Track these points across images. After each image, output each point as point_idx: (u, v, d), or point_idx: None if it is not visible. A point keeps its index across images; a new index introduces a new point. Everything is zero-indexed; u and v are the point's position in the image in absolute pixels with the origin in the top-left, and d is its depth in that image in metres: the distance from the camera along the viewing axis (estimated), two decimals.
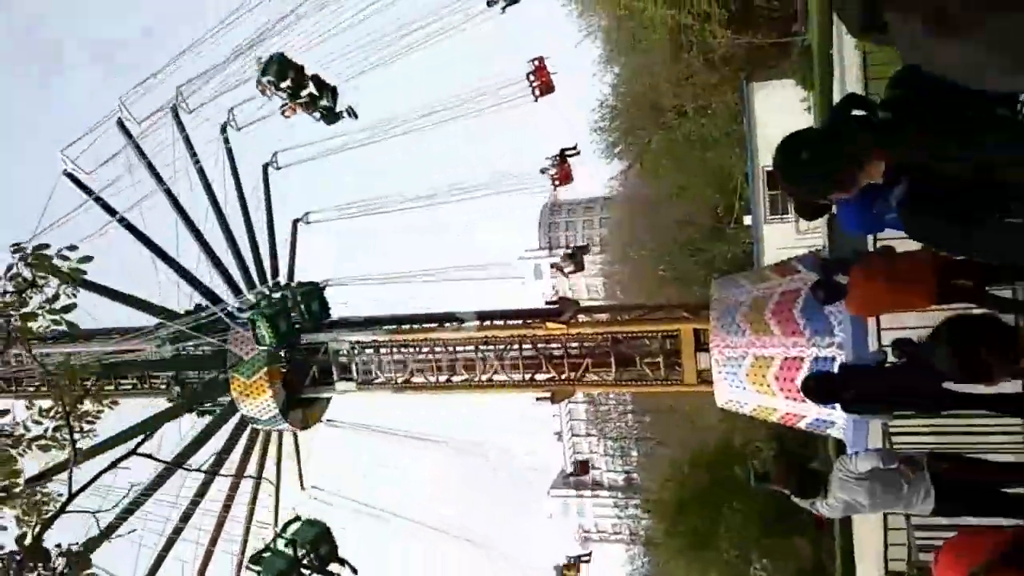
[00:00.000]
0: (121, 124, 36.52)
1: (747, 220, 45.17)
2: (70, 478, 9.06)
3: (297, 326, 32.01)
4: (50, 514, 9.02)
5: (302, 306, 32.08)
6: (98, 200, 35.63)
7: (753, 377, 28.30)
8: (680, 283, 55.78)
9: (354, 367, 33.93)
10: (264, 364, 32.85)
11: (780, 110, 37.67)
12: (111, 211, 35.25)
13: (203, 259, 35.77)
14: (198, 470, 31.27)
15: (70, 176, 36.03)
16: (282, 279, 37.27)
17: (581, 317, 31.81)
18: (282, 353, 33.24)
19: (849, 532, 30.26)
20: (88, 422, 9.43)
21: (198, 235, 36.15)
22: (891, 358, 11.59)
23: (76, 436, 9.13)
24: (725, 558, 46.82)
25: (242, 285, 35.88)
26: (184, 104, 36.53)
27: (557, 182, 37.25)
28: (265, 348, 32.01)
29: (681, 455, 56.07)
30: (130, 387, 35.85)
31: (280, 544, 29.19)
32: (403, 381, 33.73)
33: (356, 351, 33.84)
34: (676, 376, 30.46)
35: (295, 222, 39.53)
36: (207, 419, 34.60)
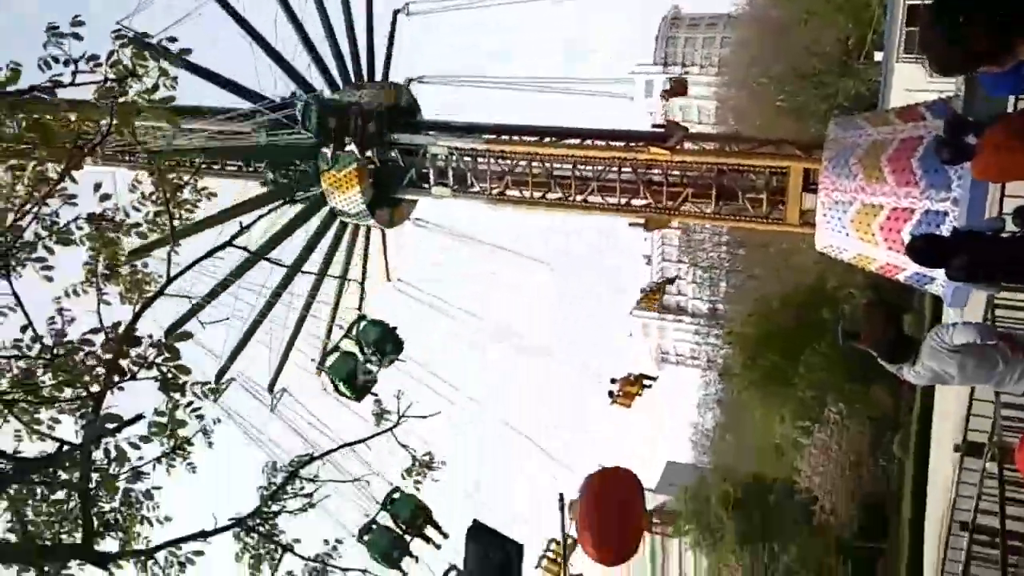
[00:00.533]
0: None
1: (877, 56, 42.07)
2: (169, 261, 9.39)
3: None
4: (150, 294, 9.45)
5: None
6: None
7: (858, 224, 27.25)
8: (797, 115, 53.20)
9: (450, 173, 33.99)
10: (354, 159, 32.90)
11: None
12: None
13: (300, 49, 35.36)
14: (283, 265, 32.22)
15: None
16: (378, 73, 37.02)
17: (687, 144, 30.75)
18: (372, 152, 33.79)
19: (931, 392, 29.94)
20: (187, 210, 9.67)
21: (296, 22, 35.12)
22: (1010, 227, 10.88)
23: (175, 223, 9.41)
24: (800, 396, 47.20)
25: (337, 78, 35.31)
26: None
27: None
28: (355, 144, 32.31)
29: (771, 291, 55.59)
30: (223, 169, 36.39)
31: (346, 345, 29.84)
32: (498, 193, 33.67)
33: (454, 157, 33.76)
34: (778, 215, 29.53)
35: (396, 12, 38.33)
36: (297, 208, 35.35)
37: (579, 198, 32.67)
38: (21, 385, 7.75)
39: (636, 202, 31.81)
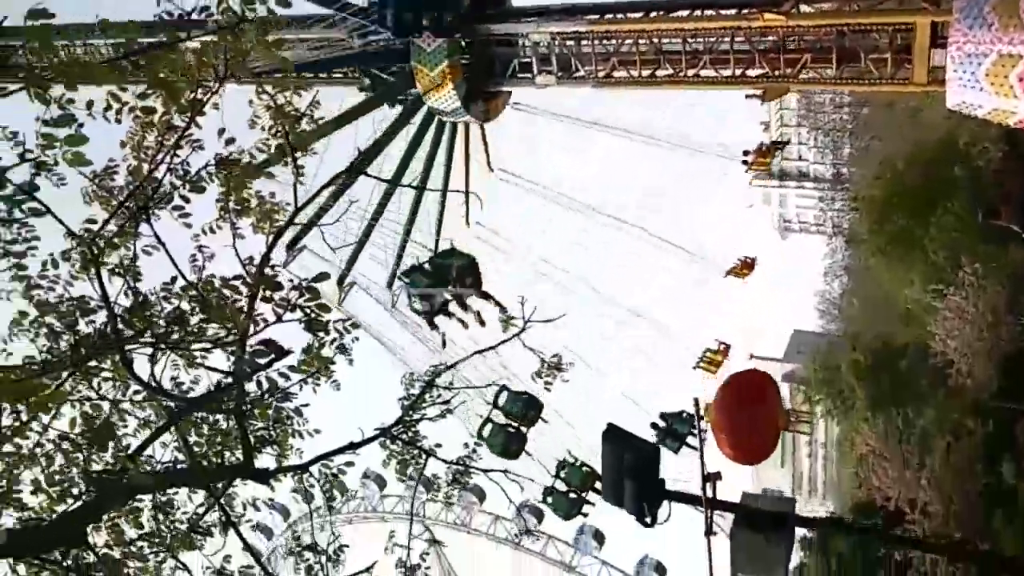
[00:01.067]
0: None
1: None
2: (295, 192, 9.70)
3: None
4: (280, 223, 9.83)
5: None
6: None
7: (993, 77, 25.40)
8: None
9: (553, 59, 33.26)
10: (445, 56, 32.75)
11: None
12: None
13: None
14: (389, 182, 33.00)
15: None
16: None
17: (803, 7, 29.12)
18: (463, 44, 33.24)
19: None
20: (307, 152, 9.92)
21: None
22: None
23: (297, 155, 9.66)
24: (932, 259, 45.29)
25: None
26: None
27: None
28: (445, 41, 32.26)
29: (898, 151, 52.76)
30: (326, 78, 36.52)
31: (497, 417, 30.73)
32: (604, 75, 32.83)
33: (556, 42, 32.96)
34: (904, 74, 27.83)
35: None
36: (399, 110, 35.65)
37: (691, 73, 31.54)
38: (175, 323, 8.29)
39: (752, 72, 30.55)
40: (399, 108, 35.62)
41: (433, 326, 34.20)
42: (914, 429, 42.08)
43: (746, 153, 41.95)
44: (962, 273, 41.53)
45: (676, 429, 30.48)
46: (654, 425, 30.60)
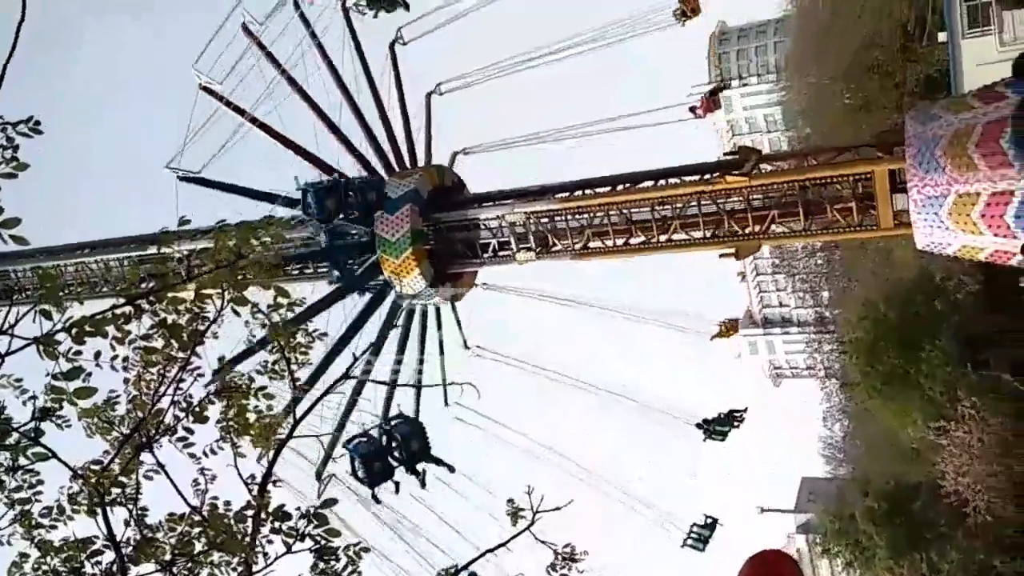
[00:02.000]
0: (246, 29, 37.91)
1: (941, 36, 41.05)
2: (293, 408, 9.78)
3: None
4: (281, 436, 9.85)
5: None
6: (230, 105, 37.37)
7: (956, 216, 26.36)
8: (867, 110, 51.94)
9: (531, 237, 34.37)
10: (409, 244, 34.35)
11: None
12: (242, 112, 37.07)
13: (342, 150, 37.40)
14: (392, 385, 33.68)
15: (206, 89, 37.83)
16: (420, 158, 38.47)
17: (764, 166, 30.44)
18: (426, 229, 34.82)
19: None
20: (302, 353, 10.09)
21: (331, 126, 37.41)
22: None
23: (293, 367, 9.82)
24: (929, 396, 45.24)
25: (380, 169, 37.12)
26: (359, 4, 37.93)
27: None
28: (409, 229, 33.85)
29: (875, 292, 53.78)
30: (298, 273, 37.64)
31: (375, 432, 30.83)
32: (581, 247, 33.88)
33: (532, 221, 34.15)
34: (871, 221, 28.85)
35: (428, 95, 40.18)
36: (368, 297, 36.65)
37: (663, 238, 32.59)
38: (181, 553, 8.17)
39: (722, 232, 31.57)
40: (368, 295, 36.62)
41: (376, 499, 33.73)
42: (940, 574, 40.73)
43: (692, 109, 41.21)
44: (961, 408, 41.38)
45: None
46: None
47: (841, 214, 29.25)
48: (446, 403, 38.30)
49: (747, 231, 30.69)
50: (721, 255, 32.73)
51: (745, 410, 37.80)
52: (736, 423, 37.52)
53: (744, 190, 30.07)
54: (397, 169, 37.74)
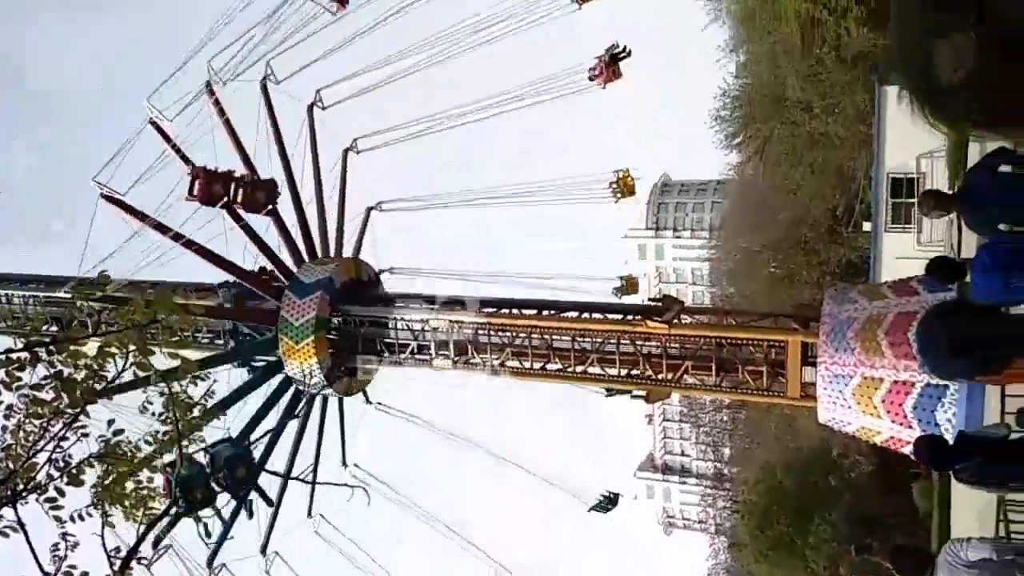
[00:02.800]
0: (209, 87, 37.09)
1: (866, 226, 43.36)
2: (173, 484, 9.38)
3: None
4: (155, 511, 9.40)
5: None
6: (177, 151, 35.66)
7: (859, 397, 27.30)
8: (790, 281, 54.21)
9: (451, 345, 34.34)
10: (312, 332, 33.86)
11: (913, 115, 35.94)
12: (188, 161, 35.30)
13: (272, 228, 36.73)
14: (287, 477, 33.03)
15: (154, 125, 36.37)
16: (347, 252, 38.32)
17: (684, 318, 31.25)
18: (334, 321, 34.55)
19: None
20: (195, 427, 9.77)
21: (236, 217, 35.66)
22: (1015, 428, 10.95)
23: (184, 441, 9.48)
24: (812, 568, 45.75)
25: (305, 255, 36.72)
26: (272, 77, 37.81)
27: (602, 83, 34.78)
28: (315, 316, 33.54)
29: (775, 457, 54.90)
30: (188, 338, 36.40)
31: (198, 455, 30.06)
32: (499, 363, 33.94)
33: (455, 329, 34.19)
34: (779, 388, 29.64)
35: (345, 151, 39.78)
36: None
37: (579, 369, 32.87)
38: None
39: (636, 373, 32.03)
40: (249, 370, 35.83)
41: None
42: None
43: (592, 78, 36.15)
44: None
45: None
46: None
47: (751, 376, 29.99)
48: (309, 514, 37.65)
49: (660, 377, 31.17)
50: (633, 396, 33.05)
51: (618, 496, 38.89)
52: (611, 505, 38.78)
53: (663, 337, 30.69)
54: (307, 258, 37.25)
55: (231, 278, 36.06)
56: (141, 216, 34.99)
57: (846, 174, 46.86)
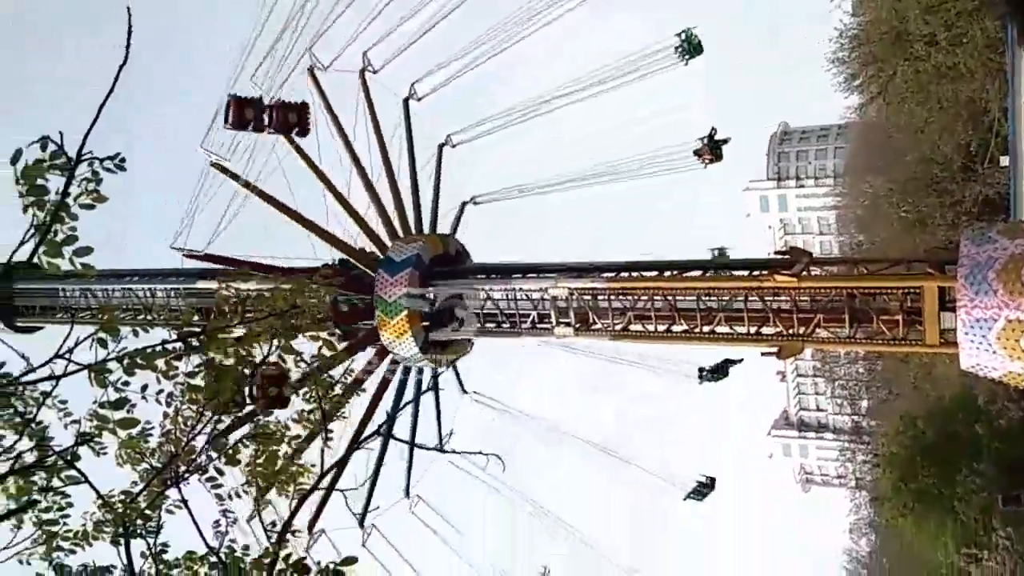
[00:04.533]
0: (312, 73, 39.11)
1: (1003, 160, 40.92)
2: (322, 458, 9.84)
3: None
4: (305, 487, 9.89)
5: None
6: (238, 179, 37.75)
7: (1004, 341, 25.93)
8: (922, 225, 51.63)
9: (572, 313, 34.39)
10: (405, 307, 35.15)
11: None
12: (251, 187, 37.46)
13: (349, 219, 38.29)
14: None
15: (217, 166, 38.21)
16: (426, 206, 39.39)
17: (813, 269, 30.30)
18: (427, 296, 35.58)
19: None
20: (338, 405, 10.22)
21: (338, 195, 38.07)
22: None
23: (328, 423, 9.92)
24: (962, 520, 43.92)
25: (384, 236, 37.90)
26: (370, 67, 39.71)
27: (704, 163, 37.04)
28: (406, 292, 34.83)
29: (916, 407, 52.75)
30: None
31: None
32: (621, 328, 33.77)
33: (574, 297, 34.19)
34: (916, 336, 28.39)
35: (440, 147, 41.04)
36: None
37: (706, 329, 32.38)
38: None
39: (766, 330, 31.31)
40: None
41: None
42: None
43: (697, 153, 38.44)
44: (995, 537, 40.11)
45: None
46: None
47: (887, 326, 28.86)
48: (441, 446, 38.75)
49: (791, 332, 30.37)
50: (763, 353, 32.35)
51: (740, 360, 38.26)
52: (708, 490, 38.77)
53: (792, 291, 29.86)
54: (401, 234, 38.61)
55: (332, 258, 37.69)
56: (245, 183, 37.30)
57: (978, 107, 44.16)
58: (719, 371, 38.30)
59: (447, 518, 38.93)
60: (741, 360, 38.16)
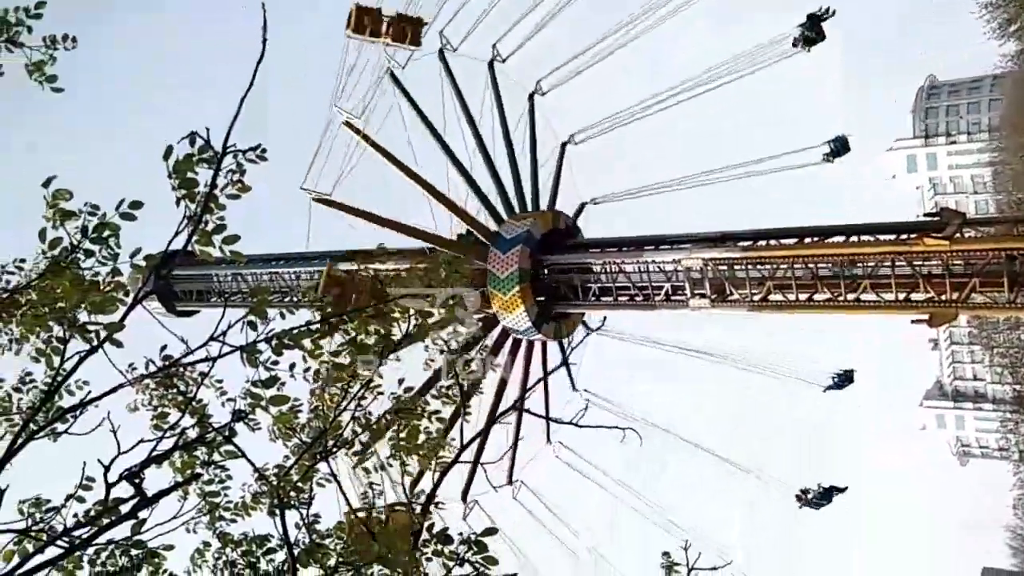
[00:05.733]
0: (392, 75, 40.67)
1: None
2: (461, 430, 10.07)
3: None
4: (447, 459, 10.16)
5: None
6: (369, 140, 39.81)
7: None
8: None
9: (707, 283, 33.74)
10: (517, 283, 35.84)
11: None
12: (379, 148, 39.65)
13: (470, 193, 39.41)
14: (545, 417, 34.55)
15: (348, 125, 40.20)
16: (544, 203, 40.13)
17: (967, 231, 28.66)
18: (535, 271, 36.25)
19: None
20: (474, 383, 10.43)
21: (464, 172, 39.52)
22: None
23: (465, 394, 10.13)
24: None
25: (502, 212, 39.06)
26: (448, 46, 40.96)
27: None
28: (518, 268, 35.67)
29: None
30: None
31: None
32: (760, 299, 32.88)
33: (708, 267, 33.49)
34: None
35: (563, 145, 41.75)
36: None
37: (850, 297, 31.14)
38: (346, 562, 8.57)
39: (916, 296, 29.86)
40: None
41: None
42: None
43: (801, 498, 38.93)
44: None
45: None
46: None
47: None
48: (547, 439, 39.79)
49: (944, 298, 28.85)
50: (913, 321, 30.91)
51: (845, 489, 37.92)
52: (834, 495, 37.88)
53: (944, 254, 28.33)
54: (526, 209, 39.62)
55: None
56: (371, 142, 39.56)
57: None
58: (825, 497, 37.84)
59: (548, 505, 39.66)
60: (846, 489, 37.90)
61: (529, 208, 39.84)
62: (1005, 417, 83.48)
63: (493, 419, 10.14)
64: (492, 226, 38.58)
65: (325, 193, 40.13)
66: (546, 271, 37.22)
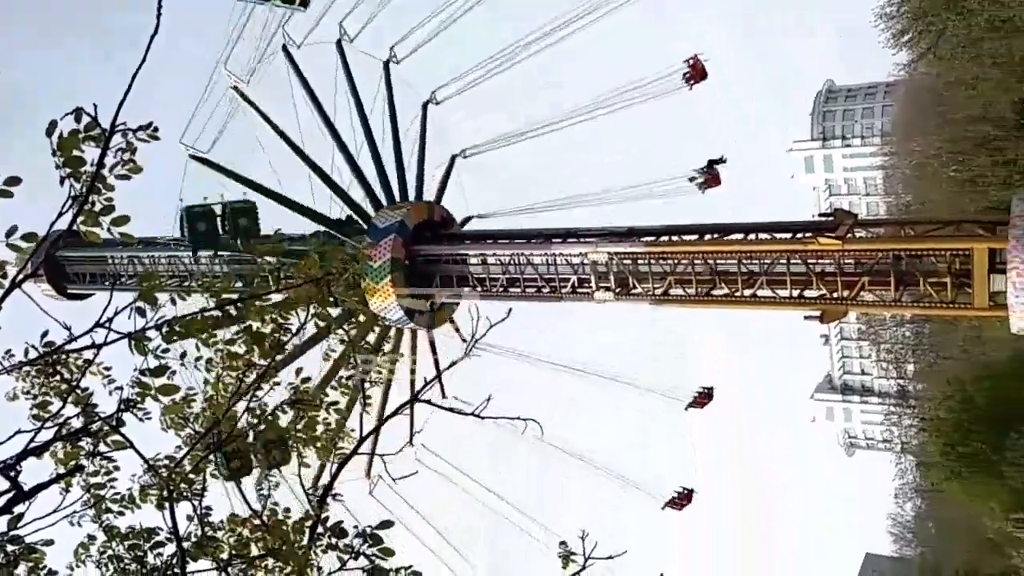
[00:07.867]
0: (286, 51, 40.78)
1: None
2: (361, 423, 9.93)
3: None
4: (344, 452, 10.01)
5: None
6: (264, 117, 39.92)
7: None
8: (972, 185, 50.33)
9: (612, 277, 34.23)
10: (389, 272, 36.14)
11: None
12: (277, 130, 39.70)
13: (354, 180, 39.79)
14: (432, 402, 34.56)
15: (236, 90, 40.07)
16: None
17: (858, 231, 29.79)
18: (406, 262, 36.63)
19: None
20: (377, 372, 10.29)
21: (349, 157, 39.72)
22: None
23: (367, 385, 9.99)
24: (1012, 485, 43.34)
25: (384, 202, 39.20)
26: (346, 36, 41.10)
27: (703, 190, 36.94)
28: (390, 258, 35.67)
29: (964, 371, 51.92)
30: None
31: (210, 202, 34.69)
32: (662, 293, 33.58)
33: (614, 262, 34.00)
34: (965, 299, 27.84)
35: (453, 157, 42.09)
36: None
37: (747, 293, 32.07)
38: (238, 555, 8.35)
39: (809, 293, 30.92)
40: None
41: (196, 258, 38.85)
42: None
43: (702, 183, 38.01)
44: None
45: None
46: None
47: (934, 288, 28.34)
48: (410, 441, 38.63)
49: (835, 295, 29.98)
50: (806, 317, 32.03)
51: (723, 159, 37.22)
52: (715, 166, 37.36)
53: (836, 253, 29.42)
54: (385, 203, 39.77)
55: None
56: (258, 110, 39.77)
57: None
58: (709, 171, 37.33)
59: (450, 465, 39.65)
60: (724, 159, 37.19)
61: (396, 191, 40.30)
62: (889, 410, 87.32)
63: (386, 414, 10.05)
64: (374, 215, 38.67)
65: (202, 151, 39.46)
66: (418, 260, 37.49)
